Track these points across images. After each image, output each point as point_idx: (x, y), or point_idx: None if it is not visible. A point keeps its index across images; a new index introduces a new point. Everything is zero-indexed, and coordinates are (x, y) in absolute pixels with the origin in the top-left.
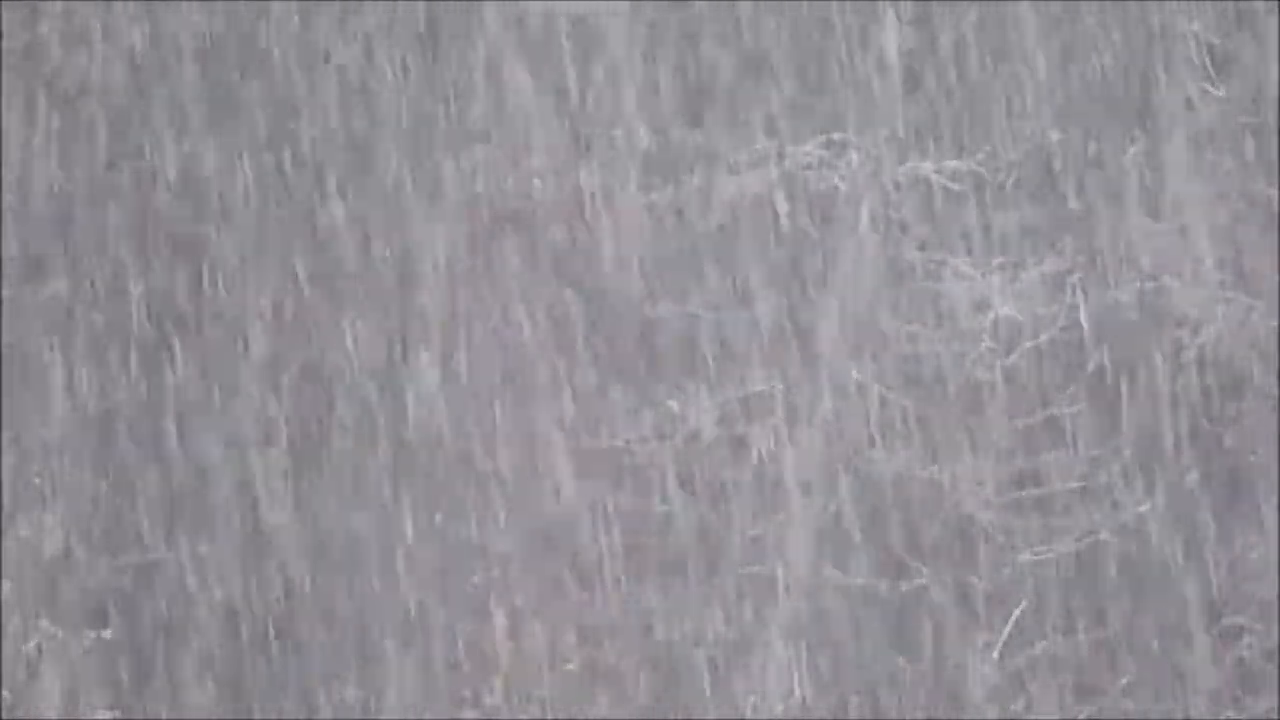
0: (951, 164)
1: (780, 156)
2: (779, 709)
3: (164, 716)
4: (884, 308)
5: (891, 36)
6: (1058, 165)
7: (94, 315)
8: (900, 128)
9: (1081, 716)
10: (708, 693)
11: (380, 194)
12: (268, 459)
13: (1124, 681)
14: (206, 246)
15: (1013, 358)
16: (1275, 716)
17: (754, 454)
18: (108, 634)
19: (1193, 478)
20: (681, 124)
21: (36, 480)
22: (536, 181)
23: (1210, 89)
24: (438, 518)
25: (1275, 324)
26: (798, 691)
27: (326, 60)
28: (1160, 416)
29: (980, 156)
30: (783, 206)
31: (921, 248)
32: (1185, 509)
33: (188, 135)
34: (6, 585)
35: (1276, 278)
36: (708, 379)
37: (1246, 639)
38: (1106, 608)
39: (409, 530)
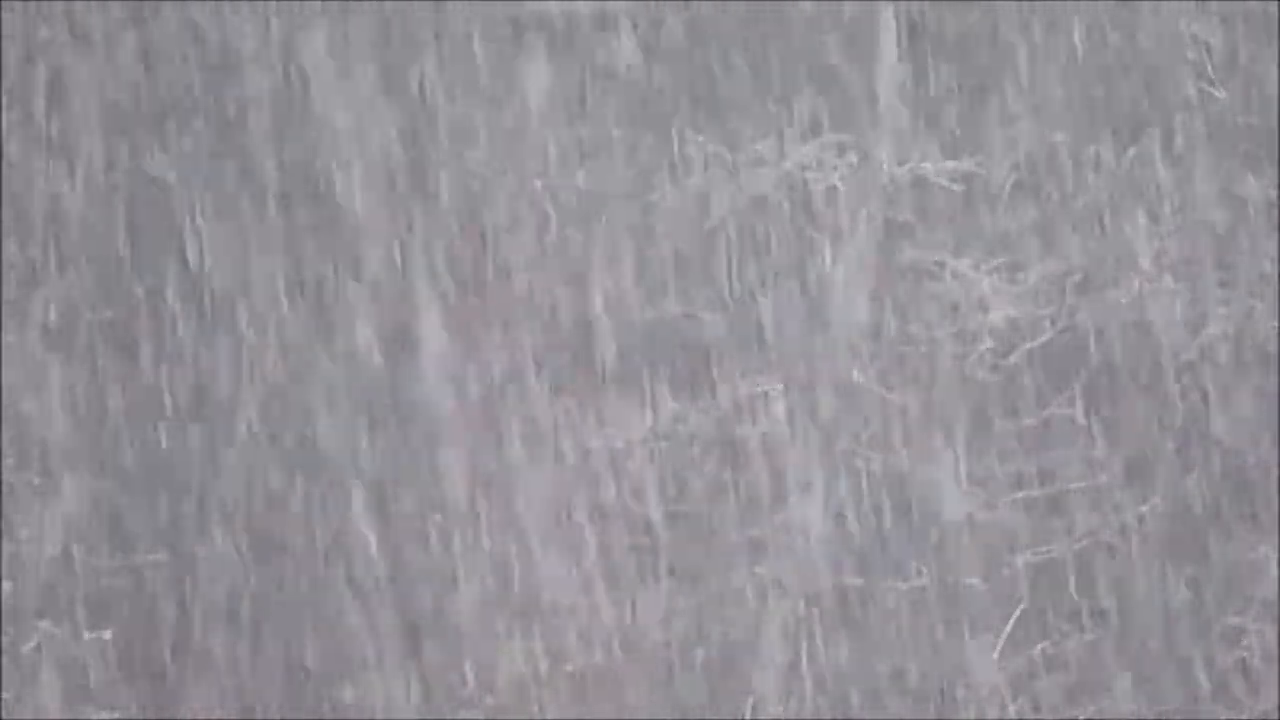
0: (950, 164)
1: (780, 156)
2: (778, 710)
3: (164, 717)
4: (884, 308)
5: (890, 36)
6: (1058, 165)
7: (93, 315)
8: (900, 128)
9: (1082, 717)
10: (707, 693)
11: (378, 194)
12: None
13: (1124, 681)
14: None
15: (1013, 358)
16: (1275, 717)
17: (754, 454)
18: (108, 634)
19: (1192, 478)
20: (682, 124)
21: (36, 480)
22: (536, 182)
23: (1210, 89)
24: (437, 517)
25: (1275, 324)
26: (797, 692)
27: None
28: (1160, 417)
29: (980, 157)
30: (783, 207)
31: (921, 248)
32: (1185, 509)
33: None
34: (6, 585)
35: (1276, 278)
36: (707, 379)
37: (1246, 639)
38: (1106, 608)
39: (407, 530)
